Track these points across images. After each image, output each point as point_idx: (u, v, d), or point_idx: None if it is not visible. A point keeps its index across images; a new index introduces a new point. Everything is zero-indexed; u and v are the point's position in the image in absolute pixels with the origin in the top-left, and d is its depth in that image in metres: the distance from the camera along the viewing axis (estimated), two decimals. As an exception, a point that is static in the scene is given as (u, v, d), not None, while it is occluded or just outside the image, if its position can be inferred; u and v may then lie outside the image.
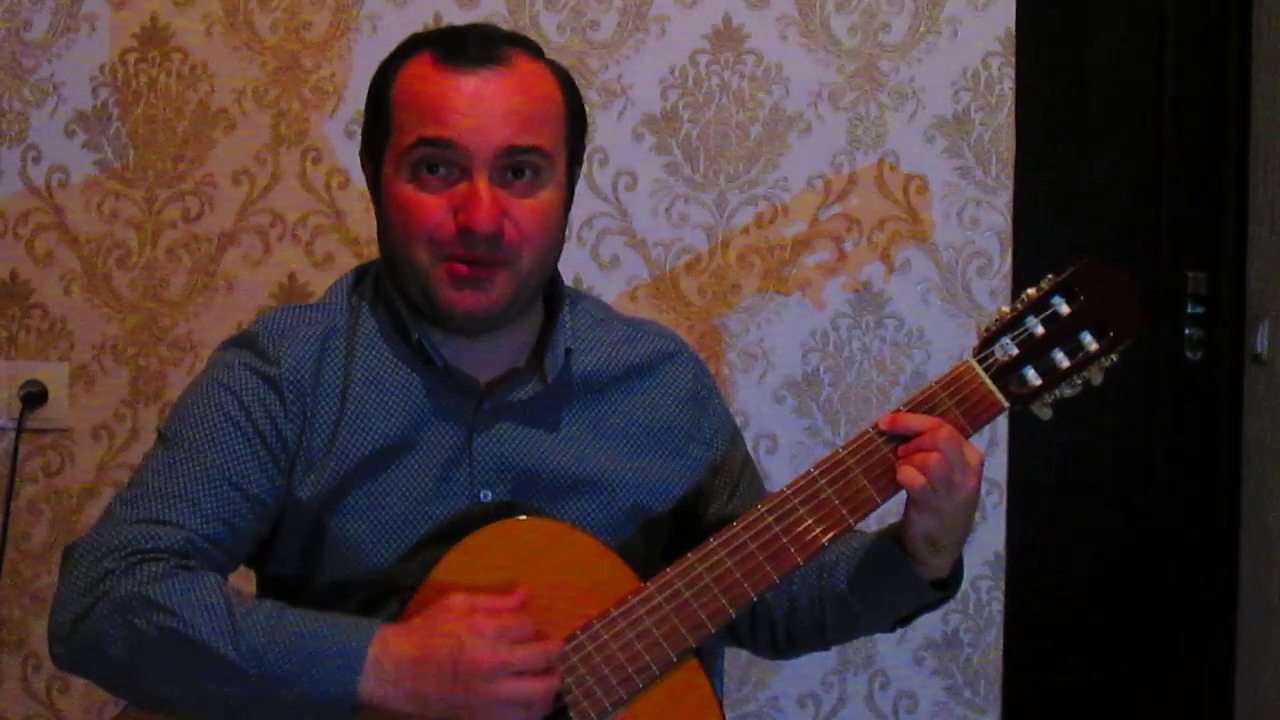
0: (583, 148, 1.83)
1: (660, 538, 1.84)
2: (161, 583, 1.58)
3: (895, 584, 1.75)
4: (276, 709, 1.57)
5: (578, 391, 1.80)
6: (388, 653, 1.56)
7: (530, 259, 1.72)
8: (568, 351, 1.79)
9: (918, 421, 1.68)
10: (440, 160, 1.69)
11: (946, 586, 1.77)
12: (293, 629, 1.57)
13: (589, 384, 1.81)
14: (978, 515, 2.71)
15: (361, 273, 1.85)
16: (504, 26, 2.70)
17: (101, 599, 1.59)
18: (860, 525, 1.71)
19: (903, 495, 1.69)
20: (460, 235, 1.68)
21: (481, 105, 1.68)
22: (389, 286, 1.78)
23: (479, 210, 1.66)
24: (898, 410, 1.70)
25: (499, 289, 1.71)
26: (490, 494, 1.74)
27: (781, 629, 1.88)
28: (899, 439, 1.68)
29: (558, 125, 1.75)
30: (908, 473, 1.66)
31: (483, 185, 1.67)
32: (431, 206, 1.69)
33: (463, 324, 1.73)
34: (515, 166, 1.70)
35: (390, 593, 1.69)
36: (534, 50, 1.78)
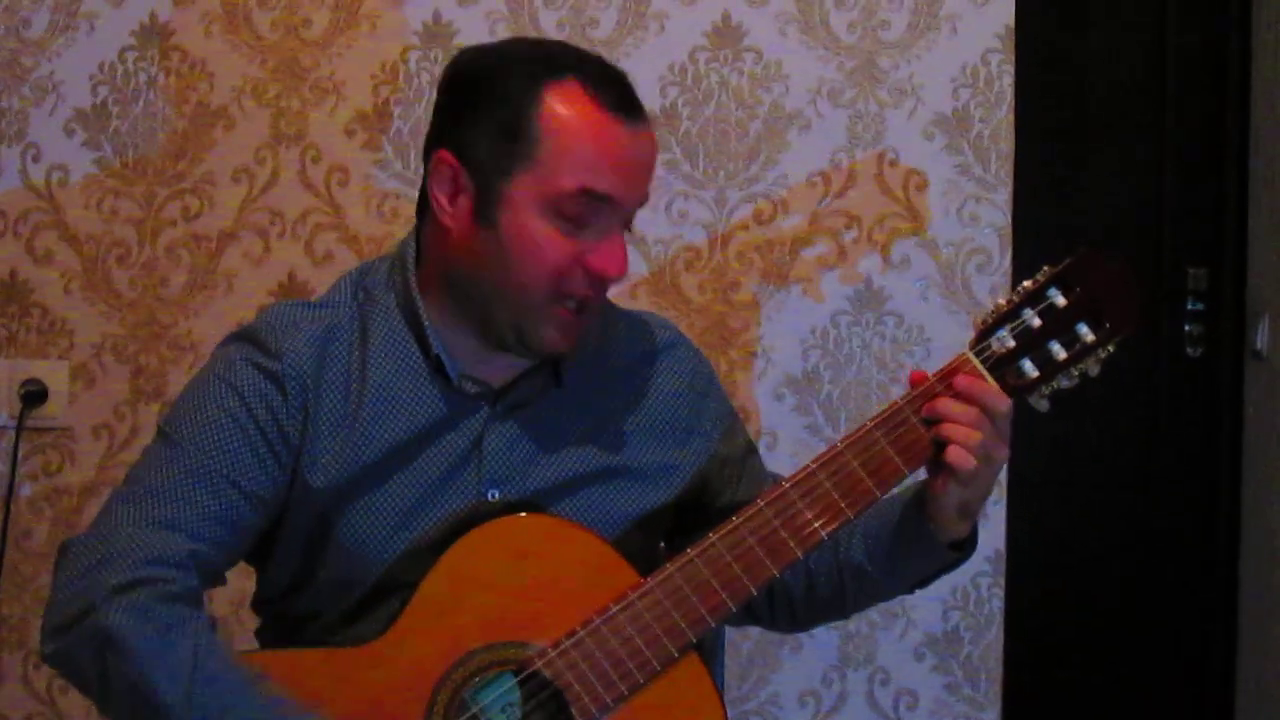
0: None
1: (660, 531, 1.84)
2: (141, 622, 1.58)
3: (918, 553, 1.76)
4: None
5: (582, 388, 1.80)
6: None
7: None
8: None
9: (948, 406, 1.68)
10: (591, 208, 1.67)
11: (964, 547, 1.77)
12: (247, 712, 1.58)
13: (592, 380, 1.81)
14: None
15: (365, 270, 1.83)
16: (504, 24, 2.74)
17: (89, 614, 1.59)
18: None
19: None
20: (590, 279, 1.69)
21: (642, 164, 1.71)
22: (410, 292, 1.76)
23: (617, 260, 1.69)
24: (909, 398, 1.69)
25: (587, 329, 1.75)
26: (497, 493, 1.74)
27: (801, 606, 1.88)
28: (896, 431, 1.68)
29: None
30: (958, 455, 1.65)
31: (619, 236, 1.70)
32: (564, 249, 1.67)
33: (544, 358, 1.75)
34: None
35: (390, 590, 1.70)
36: None
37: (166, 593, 1.61)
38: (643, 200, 1.72)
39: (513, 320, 1.70)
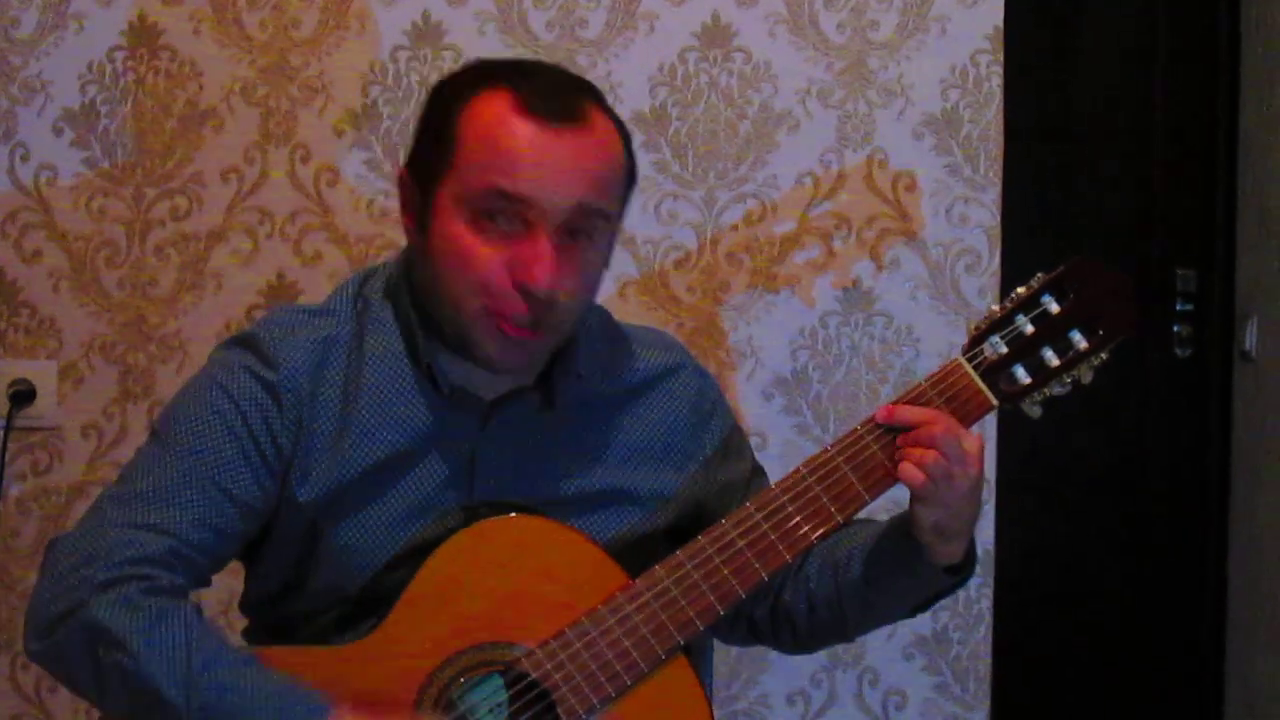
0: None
1: (655, 557, 1.80)
2: (131, 614, 1.58)
3: (910, 575, 1.75)
4: None
5: (579, 410, 1.78)
6: None
7: (573, 318, 1.70)
8: (579, 377, 1.77)
9: (914, 414, 1.68)
10: (506, 212, 1.63)
11: (960, 570, 1.76)
12: (247, 695, 1.58)
13: (590, 402, 1.79)
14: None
15: (366, 277, 1.82)
16: (493, 24, 2.73)
17: (76, 610, 1.60)
18: (868, 511, 1.73)
19: (894, 490, 1.70)
20: (516, 290, 1.63)
21: (559, 164, 1.63)
22: (405, 304, 1.75)
23: (541, 270, 1.62)
24: (894, 403, 1.70)
25: (539, 348, 1.70)
26: (488, 511, 1.73)
27: (804, 627, 1.86)
28: (887, 437, 1.69)
29: (621, 188, 1.71)
30: (908, 470, 1.66)
31: (545, 243, 1.62)
32: (488, 256, 1.63)
33: (494, 370, 1.71)
34: (576, 227, 1.65)
35: (381, 600, 1.69)
36: (604, 103, 1.72)
37: (153, 587, 1.61)
38: (572, 202, 1.63)
39: (457, 332, 1.69)
